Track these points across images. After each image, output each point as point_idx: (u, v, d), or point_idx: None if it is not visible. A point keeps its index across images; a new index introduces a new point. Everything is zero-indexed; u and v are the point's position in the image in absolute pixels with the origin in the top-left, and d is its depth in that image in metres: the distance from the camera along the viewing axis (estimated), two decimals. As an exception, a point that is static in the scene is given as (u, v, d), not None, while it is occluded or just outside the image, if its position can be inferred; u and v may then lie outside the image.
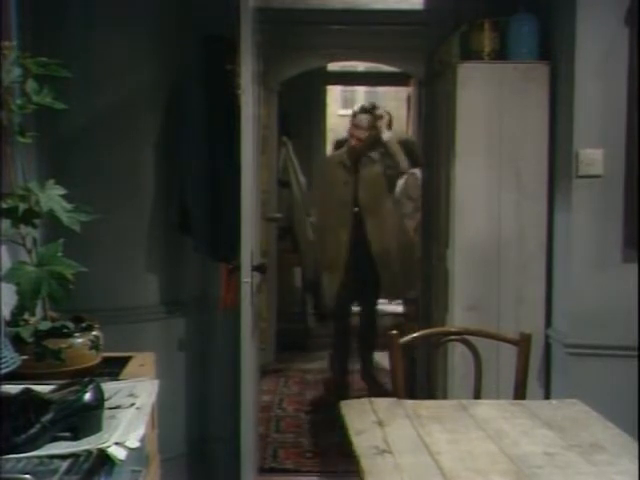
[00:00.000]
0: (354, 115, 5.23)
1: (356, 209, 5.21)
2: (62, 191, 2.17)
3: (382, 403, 2.49)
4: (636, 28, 2.97)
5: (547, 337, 3.42)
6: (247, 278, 3.33)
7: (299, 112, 7.60)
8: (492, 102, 3.43)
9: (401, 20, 4.57)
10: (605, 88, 3.10)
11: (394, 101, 10.40)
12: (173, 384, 3.60)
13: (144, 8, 3.37)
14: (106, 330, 2.27)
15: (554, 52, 3.40)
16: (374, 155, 5.22)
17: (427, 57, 4.33)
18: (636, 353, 3.04)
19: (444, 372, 3.58)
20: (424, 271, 4.51)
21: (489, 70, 3.45)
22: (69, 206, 2.15)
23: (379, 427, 2.25)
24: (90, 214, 2.18)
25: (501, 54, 3.49)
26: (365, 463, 2.00)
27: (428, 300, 4.33)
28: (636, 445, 2.04)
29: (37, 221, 2.14)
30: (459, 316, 3.46)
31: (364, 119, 5.12)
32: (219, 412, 3.84)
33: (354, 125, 5.14)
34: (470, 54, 3.53)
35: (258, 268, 3.55)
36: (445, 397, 3.50)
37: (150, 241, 3.53)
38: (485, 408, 2.42)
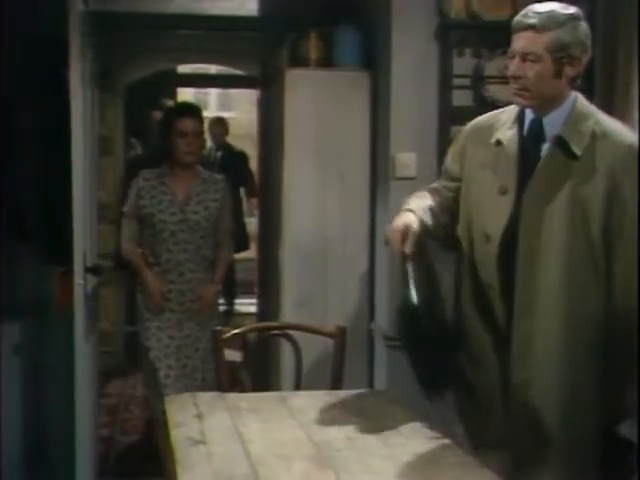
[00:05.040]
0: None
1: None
2: None
3: (204, 397, 2.58)
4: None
5: (370, 331, 3.61)
6: (80, 280, 3.35)
7: (149, 114, 7.56)
8: (318, 107, 3.60)
9: (238, 26, 4.68)
10: (418, 97, 3.32)
11: (247, 104, 10.49)
12: (8, 390, 3.57)
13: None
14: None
15: (375, 61, 3.60)
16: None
17: (263, 62, 4.46)
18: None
19: (277, 366, 3.71)
20: (262, 271, 4.63)
21: (315, 77, 3.62)
22: None
23: (198, 420, 2.33)
24: None
25: (327, 62, 3.66)
26: (178, 454, 2.08)
27: (266, 298, 4.46)
28: (427, 430, 2.23)
29: None
30: (290, 312, 3.60)
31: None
32: (58, 417, 3.81)
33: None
34: (298, 61, 3.68)
35: (92, 270, 3.57)
36: (278, 390, 3.62)
37: (-20, 244, 3.47)
38: (302, 399, 2.54)
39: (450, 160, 2.48)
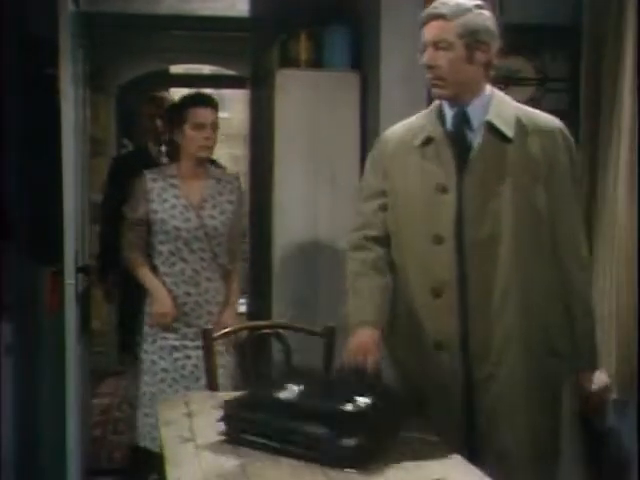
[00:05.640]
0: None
1: None
2: None
3: (195, 396, 2.61)
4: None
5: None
6: (71, 280, 3.37)
7: (140, 111, 7.56)
8: (309, 107, 3.63)
9: (229, 26, 4.71)
10: (407, 97, 3.34)
11: (241, 104, 10.49)
12: (0, 390, 3.58)
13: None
14: None
15: (364, 62, 3.63)
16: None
17: (253, 62, 4.49)
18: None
19: (269, 365, 3.72)
20: (253, 271, 4.63)
21: (305, 77, 3.65)
22: None
23: (187, 418, 2.34)
24: None
25: (317, 62, 3.69)
26: (168, 452, 2.10)
27: (258, 298, 4.48)
28: (414, 427, 2.24)
29: None
30: (282, 312, 3.62)
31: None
32: (50, 416, 3.83)
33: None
34: (289, 61, 3.70)
35: (83, 270, 3.59)
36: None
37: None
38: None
39: (373, 178, 2.42)
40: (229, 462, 1.99)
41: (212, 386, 2.74)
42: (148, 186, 3.33)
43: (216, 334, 2.78)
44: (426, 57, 2.23)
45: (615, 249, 3.01)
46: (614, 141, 3.03)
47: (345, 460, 1.89)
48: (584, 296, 2.31)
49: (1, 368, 3.64)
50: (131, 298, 3.96)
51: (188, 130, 3.27)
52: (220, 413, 2.17)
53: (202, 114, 3.28)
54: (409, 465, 1.94)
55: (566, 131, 2.30)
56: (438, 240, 2.26)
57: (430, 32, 2.22)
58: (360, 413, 1.95)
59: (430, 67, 2.23)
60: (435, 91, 2.26)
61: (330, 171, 3.63)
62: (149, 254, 3.39)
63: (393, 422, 2.05)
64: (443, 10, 2.21)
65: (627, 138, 2.97)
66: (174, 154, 3.44)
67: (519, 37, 3.43)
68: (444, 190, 2.24)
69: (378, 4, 3.34)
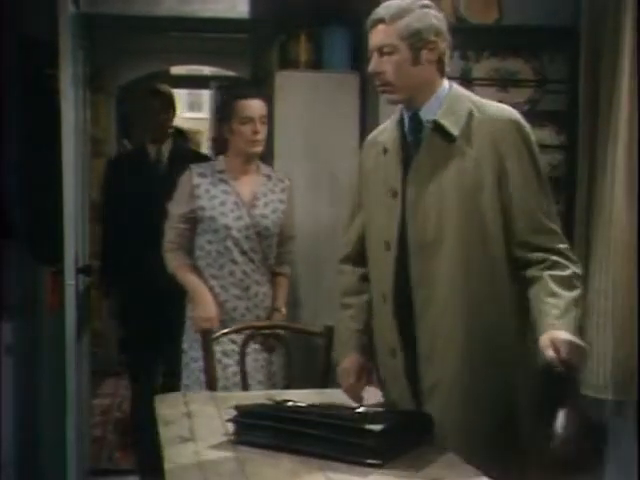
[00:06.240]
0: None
1: None
2: None
3: (195, 396, 2.62)
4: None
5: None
6: (71, 280, 3.39)
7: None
8: (308, 109, 3.63)
9: (229, 28, 4.72)
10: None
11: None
12: (0, 390, 3.60)
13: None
14: None
15: (364, 62, 3.62)
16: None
17: (254, 64, 4.51)
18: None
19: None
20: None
21: (305, 78, 3.65)
22: None
23: (187, 418, 2.35)
24: None
25: (316, 63, 3.69)
26: (167, 451, 2.10)
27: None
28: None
29: None
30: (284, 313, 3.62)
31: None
32: (50, 416, 3.84)
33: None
34: (288, 63, 3.71)
35: (83, 270, 3.60)
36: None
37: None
38: (290, 397, 2.57)
39: (356, 189, 2.40)
40: (229, 462, 1.99)
41: (212, 386, 2.75)
42: (195, 181, 3.15)
43: (215, 334, 2.79)
44: (371, 64, 2.18)
45: (612, 249, 3.01)
46: (612, 142, 3.04)
47: (370, 450, 1.91)
48: (573, 282, 2.11)
49: (1, 368, 3.66)
50: (135, 299, 3.99)
51: (236, 125, 3.13)
52: (226, 414, 2.19)
53: (249, 107, 3.13)
54: (406, 465, 1.94)
55: (522, 122, 2.18)
56: (387, 246, 2.22)
57: (374, 38, 2.17)
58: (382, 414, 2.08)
59: (376, 73, 2.17)
60: (386, 97, 2.21)
61: (330, 172, 3.63)
62: (193, 255, 3.20)
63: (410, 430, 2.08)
64: (383, 14, 2.15)
65: (625, 139, 2.98)
66: (222, 150, 3.29)
67: (518, 39, 3.45)
68: (394, 195, 2.19)
69: (378, 4, 3.32)
